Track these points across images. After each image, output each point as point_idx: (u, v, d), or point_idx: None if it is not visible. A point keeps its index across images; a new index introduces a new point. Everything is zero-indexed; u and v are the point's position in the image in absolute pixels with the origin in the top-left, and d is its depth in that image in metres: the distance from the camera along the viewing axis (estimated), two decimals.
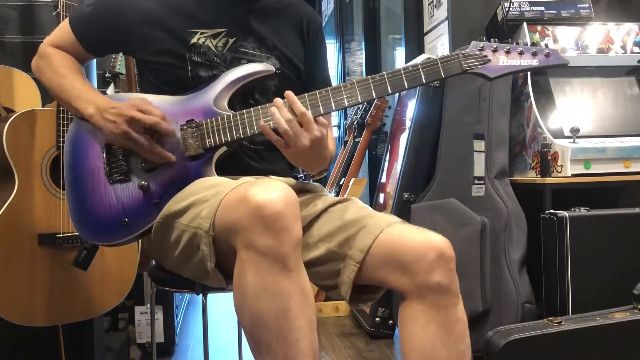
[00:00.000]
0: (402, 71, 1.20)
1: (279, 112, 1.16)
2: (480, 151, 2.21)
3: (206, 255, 1.07)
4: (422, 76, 1.19)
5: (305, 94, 1.21)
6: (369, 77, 1.20)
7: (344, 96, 1.21)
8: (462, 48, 1.25)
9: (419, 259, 1.09)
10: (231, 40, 1.34)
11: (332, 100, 1.21)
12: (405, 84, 1.20)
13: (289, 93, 1.18)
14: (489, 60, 1.20)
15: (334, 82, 1.56)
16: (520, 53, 1.20)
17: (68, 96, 1.32)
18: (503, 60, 1.20)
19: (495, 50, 1.21)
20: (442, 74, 1.19)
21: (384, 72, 1.20)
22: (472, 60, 1.20)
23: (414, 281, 1.09)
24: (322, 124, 1.18)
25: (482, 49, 1.21)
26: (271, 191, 0.98)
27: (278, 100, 1.18)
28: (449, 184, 2.28)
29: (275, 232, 0.96)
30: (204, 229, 1.06)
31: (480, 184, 2.18)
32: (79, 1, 1.83)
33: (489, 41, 1.23)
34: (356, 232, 1.17)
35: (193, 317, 3.08)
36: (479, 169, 2.20)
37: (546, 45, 1.22)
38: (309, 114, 1.16)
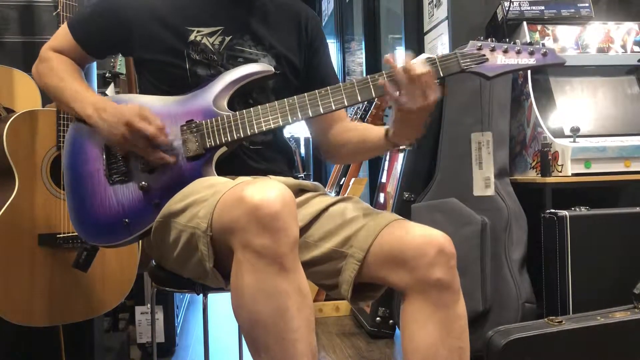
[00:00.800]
0: None
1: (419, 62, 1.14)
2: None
3: (204, 255, 1.07)
4: None
5: (305, 94, 1.21)
6: (368, 76, 1.20)
7: (344, 96, 1.21)
8: (461, 47, 1.25)
9: (419, 255, 1.09)
10: (228, 39, 1.34)
11: (331, 99, 1.21)
12: None
13: (408, 61, 1.15)
14: (486, 60, 1.20)
15: (337, 77, 1.56)
16: (518, 52, 1.21)
17: (67, 98, 1.32)
18: (501, 59, 1.20)
19: (493, 50, 1.21)
20: (441, 73, 1.19)
21: (383, 72, 1.20)
22: (470, 60, 1.20)
23: (415, 278, 1.09)
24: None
25: (480, 48, 1.21)
26: (268, 191, 0.98)
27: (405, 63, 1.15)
28: (449, 184, 2.28)
29: (272, 233, 0.96)
30: (202, 229, 1.06)
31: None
32: (78, 1, 1.83)
33: (487, 40, 1.23)
34: (357, 231, 1.17)
35: (193, 317, 3.08)
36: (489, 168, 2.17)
37: (543, 45, 1.22)
38: (431, 71, 1.15)
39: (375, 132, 1.32)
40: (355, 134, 1.39)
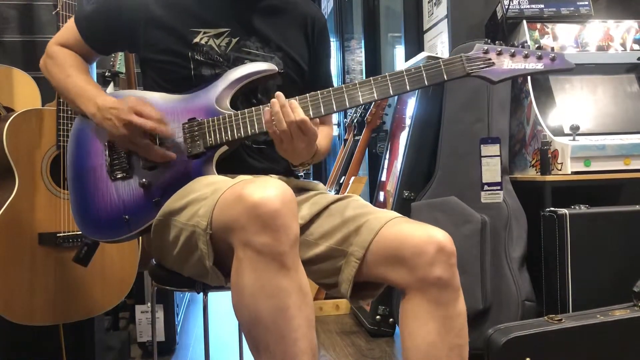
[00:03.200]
0: (404, 73, 1.19)
1: (282, 113, 1.17)
2: (493, 156, 2.17)
3: (204, 253, 1.07)
4: (425, 78, 1.19)
5: (307, 95, 1.21)
6: (371, 78, 1.20)
7: (346, 98, 1.21)
8: (464, 46, 1.24)
9: (419, 253, 1.09)
10: (234, 40, 1.34)
11: (333, 101, 1.21)
12: (407, 87, 1.19)
13: (292, 102, 1.19)
14: (493, 64, 1.19)
15: (334, 81, 1.56)
16: (526, 56, 1.19)
17: (72, 95, 1.33)
18: (507, 63, 1.19)
19: (499, 54, 1.19)
20: (445, 77, 1.19)
21: (387, 74, 1.20)
22: (476, 64, 1.19)
23: (415, 276, 1.09)
24: (316, 123, 1.21)
25: (486, 52, 1.19)
26: (268, 189, 0.98)
27: (281, 96, 1.18)
28: (449, 182, 2.28)
29: (272, 231, 0.96)
30: (202, 227, 1.06)
31: (495, 190, 2.15)
32: (78, 0, 1.83)
33: (493, 43, 1.22)
34: (357, 229, 1.17)
35: (194, 315, 3.08)
36: (492, 175, 2.16)
37: (552, 49, 1.21)
38: (309, 122, 1.17)
39: None
40: None
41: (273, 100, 1.18)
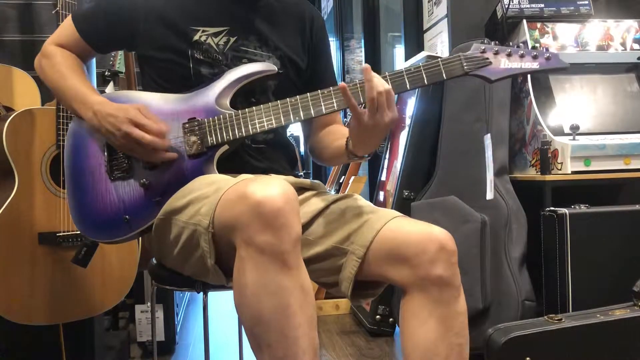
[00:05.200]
0: (404, 72, 1.20)
1: (377, 80, 1.13)
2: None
3: (206, 252, 1.07)
4: (425, 78, 1.20)
5: (308, 94, 1.22)
6: None
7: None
8: (462, 46, 1.25)
9: (420, 252, 1.09)
10: (232, 39, 1.34)
11: (334, 99, 1.21)
12: (407, 86, 1.21)
13: (366, 67, 1.14)
14: (490, 63, 1.21)
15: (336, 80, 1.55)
16: (521, 56, 1.22)
17: (68, 98, 1.32)
18: (504, 62, 1.21)
19: (496, 53, 1.22)
20: (444, 76, 1.20)
21: (386, 73, 1.20)
22: (474, 63, 1.21)
23: (416, 274, 1.10)
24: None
25: (483, 51, 1.22)
26: (271, 188, 0.98)
27: (369, 68, 1.14)
28: (449, 182, 2.28)
29: (274, 229, 0.96)
30: (204, 225, 1.06)
31: None
32: (78, 0, 1.83)
33: (490, 42, 1.24)
34: (357, 228, 1.17)
35: (193, 315, 3.08)
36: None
37: (547, 49, 1.23)
38: (392, 92, 1.15)
39: (342, 139, 1.31)
40: (333, 137, 1.39)
41: (366, 65, 1.13)
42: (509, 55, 1.21)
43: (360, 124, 1.16)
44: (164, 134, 1.24)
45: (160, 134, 1.23)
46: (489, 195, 2.14)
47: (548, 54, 1.21)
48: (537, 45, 2.19)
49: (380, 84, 1.12)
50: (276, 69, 1.31)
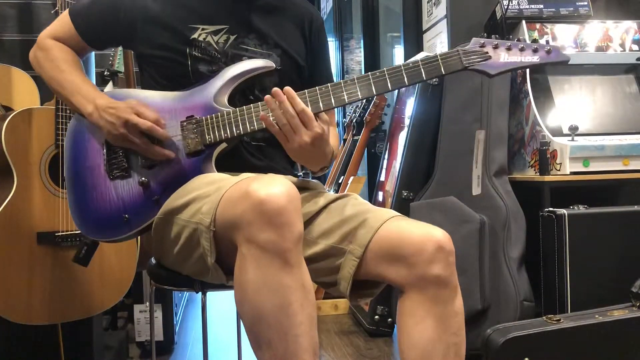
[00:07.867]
0: (402, 68, 1.20)
1: (279, 107, 1.16)
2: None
3: (207, 250, 1.07)
4: (423, 72, 1.19)
5: (305, 90, 1.21)
6: (369, 73, 1.20)
7: (344, 92, 1.21)
8: (462, 45, 1.25)
9: (418, 251, 1.09)
10: (232, 37, 1.34)
11: (332, 96, 1.21)
12: (406, 81, 1.20)
13: (288, 89, 1.17)
14: (489, 57, 1.20)
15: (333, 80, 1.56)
16: (522, 50, 1.20)
17: (67, 92, 1.32)
18: (504, 56, 1.20)
19: (496, 47, 1.20)
20: (443, 71, 1.19)
21: (384, 69, 1.20)
22: (473, 57, 1.20)
23: (413, 274, 1.10)
24: (324, 120, 1.18)
25: (482, 45, 1.20)
26: (273, 186, 0.98)
27: (278, 92, 1.16)
28: (448, 182, 2.28)
29: (276, 227, 0.96)
30: (205, 224, 1.06)
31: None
32: None
33: (491, 38, 1.22)
34: (356, 227, 1.17)
35: (192, 315, 3.08)
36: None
37: (547, 42, 1.22)
38: (309, 110, 1.16)
39: None
40: None
41: (267, 97, 1.16)
42: (508, 49, 1.20)
43: (285, 146, 1.19)
44: (163, 125, 1.25)
45: (159, 123, 1.24)
46: (475, 190, 2.14)
47: (548, 47, 1.20)
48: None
49: (289, 108, 1.14)
50: (274, 65, 1.31)
